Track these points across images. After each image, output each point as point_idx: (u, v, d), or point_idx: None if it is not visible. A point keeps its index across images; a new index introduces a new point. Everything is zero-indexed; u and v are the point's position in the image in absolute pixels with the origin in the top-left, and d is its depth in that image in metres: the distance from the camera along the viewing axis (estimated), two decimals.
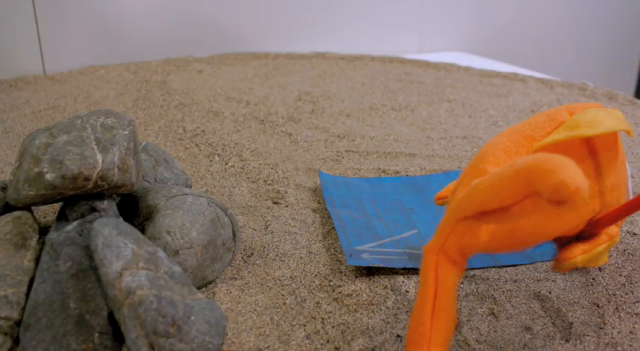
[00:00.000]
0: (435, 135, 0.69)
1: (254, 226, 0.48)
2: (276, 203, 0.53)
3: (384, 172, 0.59)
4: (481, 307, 0.39)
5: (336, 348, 0.35)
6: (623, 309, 0.39)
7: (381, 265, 0.40)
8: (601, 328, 0.38)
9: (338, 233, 0.43)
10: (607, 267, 0.44)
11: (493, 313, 0.39)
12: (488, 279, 0.42)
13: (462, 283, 0.42)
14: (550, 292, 0.41)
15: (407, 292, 0.40)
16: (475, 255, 0.42)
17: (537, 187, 0.24)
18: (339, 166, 0.61)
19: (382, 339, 0.36)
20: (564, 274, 0.43)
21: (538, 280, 0.42)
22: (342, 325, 0.37)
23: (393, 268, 0.42)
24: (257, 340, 0.35)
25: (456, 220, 0.29)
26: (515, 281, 0.42)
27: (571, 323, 0.38)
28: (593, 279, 0.43)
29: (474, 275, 0.42)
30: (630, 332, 0.37)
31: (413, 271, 0.42)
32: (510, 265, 0.44)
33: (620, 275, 0.43)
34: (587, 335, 0.37)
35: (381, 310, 0.39)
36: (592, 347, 0.36)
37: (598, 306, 0.40)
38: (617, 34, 1.44)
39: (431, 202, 0.52)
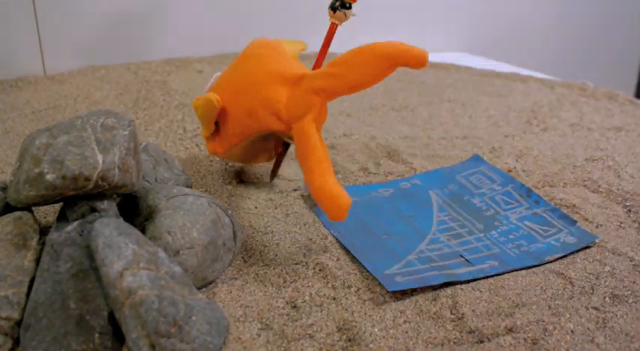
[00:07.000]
0: (435, 135, 0.69)
1: (254, 226, 0.48)
2: (276, 203, 0.53)
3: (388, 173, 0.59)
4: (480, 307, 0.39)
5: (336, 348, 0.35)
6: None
7: (419, 286, 0.40)
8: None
9: (360, 261, 0.43)
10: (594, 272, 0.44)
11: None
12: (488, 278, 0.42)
13: (462, 283, 0.42)
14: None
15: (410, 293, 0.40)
16: (486, 263, 0.42)
17: (404, 61, 0.38)
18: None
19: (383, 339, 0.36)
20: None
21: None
22: (342, 324, 0.37)
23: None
24: (258, 340, 0.35)
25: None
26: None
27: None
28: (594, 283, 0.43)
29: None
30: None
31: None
32: (521, 269, 0.43)
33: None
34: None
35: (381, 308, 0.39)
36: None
37: (597, 309, 0.40)
38: (617, 34, 1.44)
39: (423, 205, 0.52)
